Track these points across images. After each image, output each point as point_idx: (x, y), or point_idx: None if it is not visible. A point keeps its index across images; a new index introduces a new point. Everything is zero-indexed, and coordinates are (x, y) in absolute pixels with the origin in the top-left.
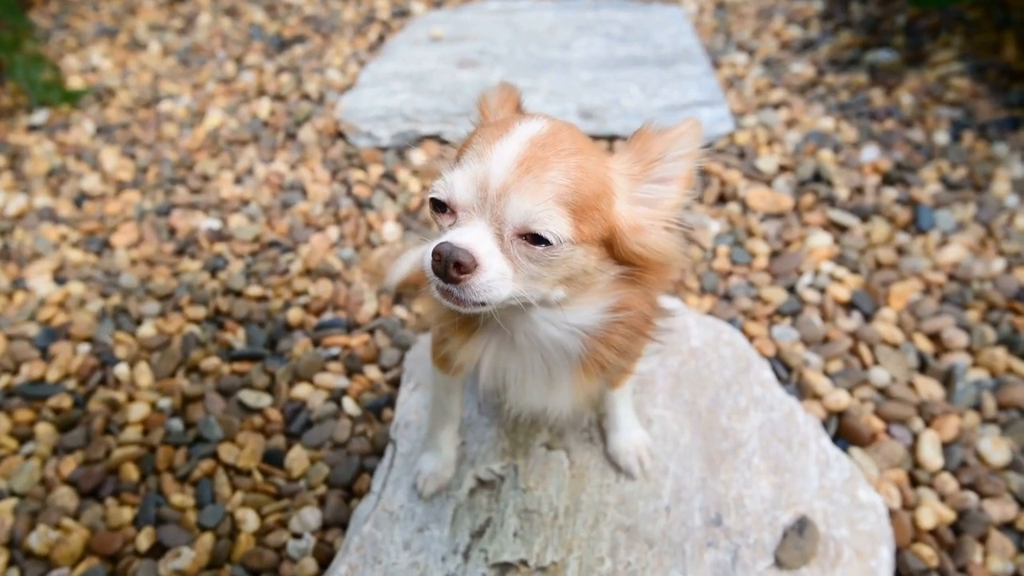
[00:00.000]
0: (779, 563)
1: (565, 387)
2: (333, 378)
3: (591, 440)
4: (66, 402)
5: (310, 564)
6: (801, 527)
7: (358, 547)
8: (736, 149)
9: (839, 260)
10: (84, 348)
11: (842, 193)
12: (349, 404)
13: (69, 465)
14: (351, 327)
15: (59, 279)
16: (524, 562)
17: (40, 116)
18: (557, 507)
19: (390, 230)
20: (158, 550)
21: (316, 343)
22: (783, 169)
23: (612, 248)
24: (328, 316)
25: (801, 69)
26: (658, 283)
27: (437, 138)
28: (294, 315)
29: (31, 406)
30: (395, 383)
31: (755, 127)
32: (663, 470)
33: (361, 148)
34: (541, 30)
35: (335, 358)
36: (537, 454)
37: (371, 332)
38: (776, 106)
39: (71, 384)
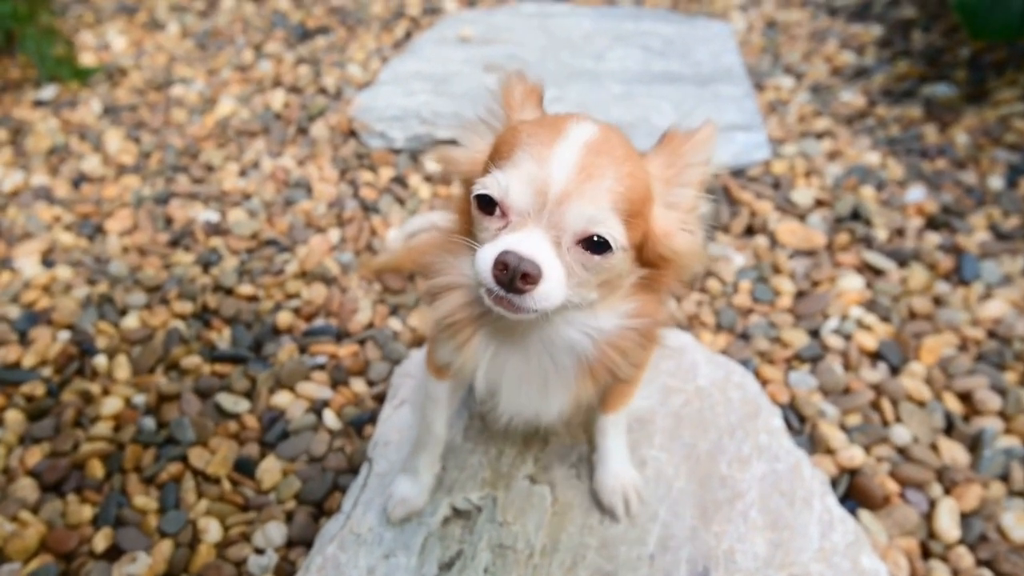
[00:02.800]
0: None
1: (561, 392)
2: (316, 388)
3: (578, 476)
4: (39, 390)
5: None
6: None
7: (319, 568)
8: (771, 179)
9: (870, 306)
10: (64, 335)
11: (881, 234)
12: (330, 417)
13: (35, 456)
14: (341, 336)
15: (47, 262)
16: None
17: (48, 92)
18: (534, 545)
19: (394, 237)
20: (114, 553)
21: (303, 350)
22: (819, 204)
23: (641, 251)
24: (319, 322)
25: (851, 98)
26: (670, 287)
27: (453, 144)
28: (283, 318)
29: (3, 391)
30: (380, 398)
31: (794, 156)
32: (652, 515)
33: (373, 148)
34: (576, 38)
35: (321, 367)
36: (519, 487)
37: (361, 343)
38: (819, 135)
39: (47, 372)
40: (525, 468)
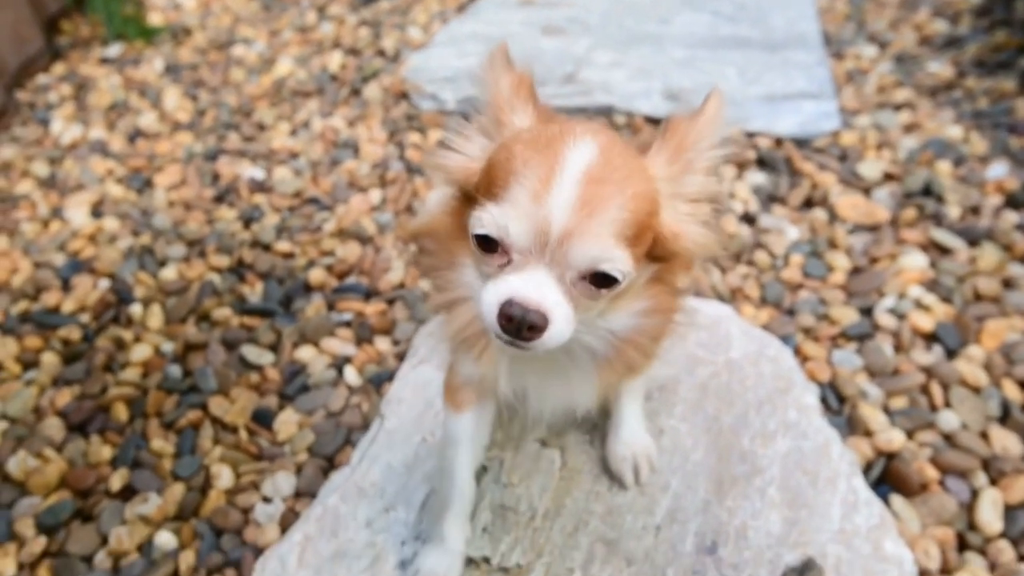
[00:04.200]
0: None
1: (586, 386)
2: (340, 344)
3: (591, 443)
4: (76, 335)
5: (273, 531)
6: (803, 570)
7: (319, 517)
8: (838, 150)
9: (931, 286)
10: (104, 283)
11: (953, 211)
12: (351, 373)
13: (64, 397)
14: (370, 294)
15: (96, 213)
16: (487, 559)
17: (114, 50)
18: (536, 508)
19: (434, 198)
20: (128, 492)
21: (331, 306)
22: (888, 178)
23: (651, 252)
24: (351, 280)
25: (939, 69)
26: (683, 273)
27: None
28: (316, 275)
29: (42, 334)
30: (403, 357)
31: (866, 128)
32: (663, 486)
33: (424, 110)
34: (644, 2)
35: (347, 324)
36: (528, 450)
37: (390, 302)
38: (898, 107)
39: (84, 318)
40: (537, 432)
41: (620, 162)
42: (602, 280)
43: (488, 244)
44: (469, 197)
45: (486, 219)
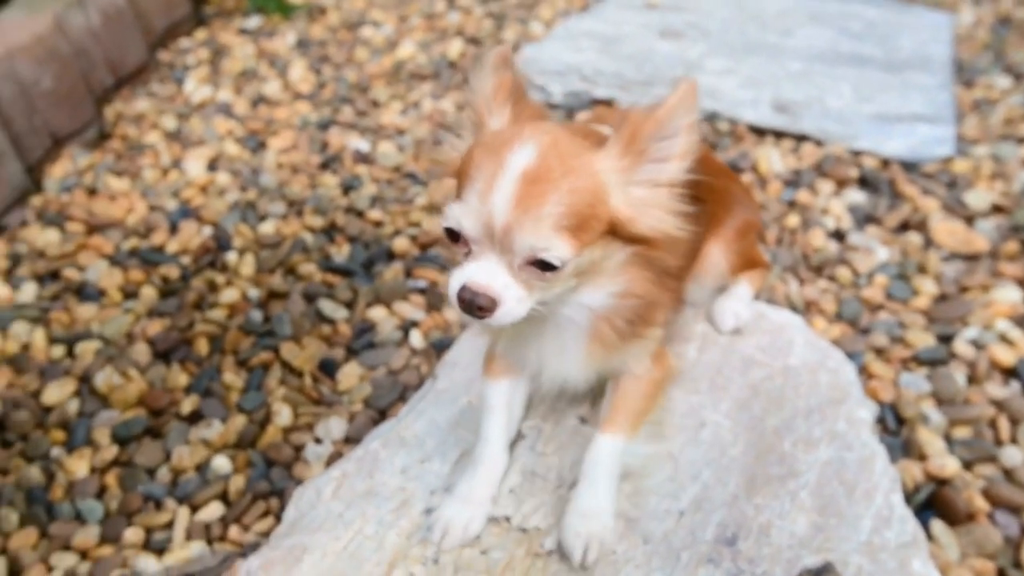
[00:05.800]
0: None
1: (579, 360)
2: (411, 309)
3: None
4: (174, 273)
5: (319, 470)
6: (820, 572)
7: (359, 458)
8: (947, 176)
9: (1021, 321)
10: (207, 231)
11: None
12: (416, 337)
13: (155, 327)
14: (447, 266)
15: (212, 167)
16: (507, 518)
17: (253, 22)
18: (564, 477)
19: None
20: (195, 417)
21: (408, 273)
22: (996, 210)
23: (615, 233)
24: (432, 252)
25: None
26: (668, 259)
27: (609, 103)
28: (400, 244)
29: (145, 269)
30: (466, 327)
31: (983, 158)
32: (694, 475)
33: None
34: (769, 13)
35: (421, 291)
36: (567, 424)
37: None
38: (1022, 140)
39: (185, 259)
40: (580, 409)
41: (557, 162)
42: (544, 265)
43: (453, 235)
44: None
45: (448, 214)
